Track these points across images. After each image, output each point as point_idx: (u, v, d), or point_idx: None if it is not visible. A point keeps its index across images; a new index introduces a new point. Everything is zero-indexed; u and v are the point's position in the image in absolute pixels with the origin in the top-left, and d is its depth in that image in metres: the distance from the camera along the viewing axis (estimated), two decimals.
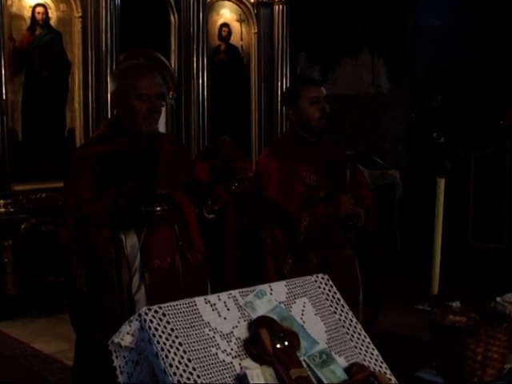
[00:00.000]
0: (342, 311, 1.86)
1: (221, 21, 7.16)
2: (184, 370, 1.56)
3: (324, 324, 1.81)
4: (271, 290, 1.82)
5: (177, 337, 1.61)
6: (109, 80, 5.85)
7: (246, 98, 7.33)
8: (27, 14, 6.03)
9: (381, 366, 1.79)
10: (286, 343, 1.66)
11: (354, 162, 3.95)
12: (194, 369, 1.58)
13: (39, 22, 6.07)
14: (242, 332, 1.71)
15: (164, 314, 1.64)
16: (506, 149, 7.17)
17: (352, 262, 3.73)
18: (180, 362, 1.57)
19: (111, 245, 2.76)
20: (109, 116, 5.78)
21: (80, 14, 6.21)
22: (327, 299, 1.87)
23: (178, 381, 1.54)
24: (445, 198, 2.37)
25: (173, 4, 6.74)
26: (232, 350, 1.66)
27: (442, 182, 2.36)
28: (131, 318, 1.66)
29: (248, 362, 1.65)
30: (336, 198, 3.56)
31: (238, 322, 1.72)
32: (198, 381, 1.56)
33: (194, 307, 1.69)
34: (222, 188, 3.01)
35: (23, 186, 6.04)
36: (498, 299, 2.28)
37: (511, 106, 7.56)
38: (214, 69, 6.99)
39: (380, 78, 8.82)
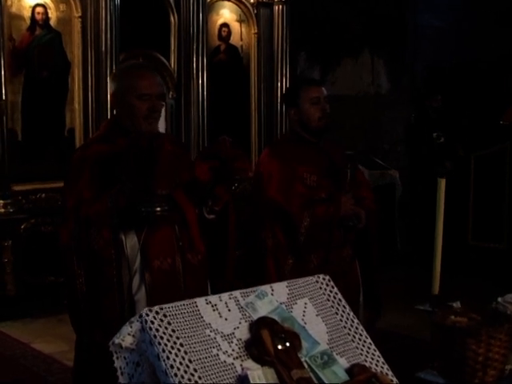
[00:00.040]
0: (344, 312, 1.86)
1: (221, 21, 7.16)
2: (185, 371, 1.56)
3: (325, 325, 1.81)
4: (272, 290, 1.81)
5: (178, 338, 1.61)
6: (108, 80, 5.85)
7: (246, 98, 7.33)
8: (27, 14, 6.03)
9: (382, 367, 1.79)
10: (288, 344, 1.66)
11: (355, 162, 3.95)
12: (195, 370, 1.57)
13: (39, 22, 6.07)
14: (244, 333, 1.70)
15: (165, 315, 1.63)
16: (506, 149, 7.17)
17: (352, 262, 3.73)
18: (181, 363, 1.57)
19: (111, 245, 2.75)
20: (108, 116, 5.77)
21: (80, 14, 6.21)
22: (328, 300, 1.87)
23: (180, 382, 1.54)
24: (445, 198, 2.37)
25: (172, 4, 6.74)
26: (233, 350, 1.66)
27: (442, 183, 2.35)
28: (132, 319, 1.66)
29: (249, 363, 1.65)
30: (337, 198, 3.56)
31: (239, 323, 1.71)
32: (199, 382, 1.56)
33: (195, 308, 1.69)
34: (223, 188, 3.01)
35: (23, 186, 6.03)
36: (499, 300, 2.28)
37: (511, 106, 7.56)
38: (214, 69, 6.99)
39: (380, 78, 8.81)
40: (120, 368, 1.67)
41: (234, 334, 1.69)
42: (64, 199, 2.97)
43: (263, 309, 1.76)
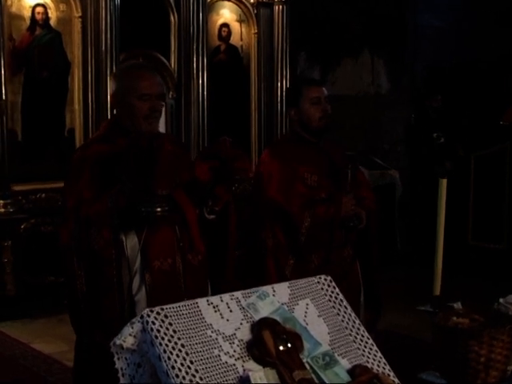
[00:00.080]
0: (345, 313, 1.85)
1: (221, 21, 7.15)
2: (186, 372, 1.55)
3: (327, 325, 1.80)
4: (274, 291, 1.81)
5: (179, 338, 1.60)
6: (109, 80, 5.85)
7: (246, 98, 7.32)
8: (27, 14, 6.02)
9: (384, 368, 1.78)
10: (289, 345, 1.65)
11: (355, 162, 3.94)
12: (196, 371, 1.57)
13: (39, 22, 6.06)
14: (245, 334, 1.70)
15: (166, 316, 1.63)
16: (506, 149, 7.17)
17: (353, 262, 3.73)
18: (182, 364, 1.56)
19: (112, 246, 2.75)
20: (108, 116, 5.77)
21: (80, 14, 6.20)
22: (330, 300, 1.86)
23: (181, 383, 1.53)
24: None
25: (172, 4, 6.73)
26: (235, 351, 1.65)
27: (444, 183, 2.35)
28: (133, 319, 1.65)
29: (251, 364, 1.64)
30: (337, 198, 3.56)
31: (241, 324, 1.71)
32: (201, 383, 1.55)
33: (197, 309, 1.69)
34: (223, 188, 3.00)
35: (23, 186, 6.03)
36: (501, 300, 2.27)
37: (511, 106, 7.56)
38: (214, 69, 6.98)
39: (380, 78, 8.81)
40: (121, 369, 1.67)
41: (235, 334, 1.69)
42: (64, 199, 2.97)
43: (265, 309, 1.75)
